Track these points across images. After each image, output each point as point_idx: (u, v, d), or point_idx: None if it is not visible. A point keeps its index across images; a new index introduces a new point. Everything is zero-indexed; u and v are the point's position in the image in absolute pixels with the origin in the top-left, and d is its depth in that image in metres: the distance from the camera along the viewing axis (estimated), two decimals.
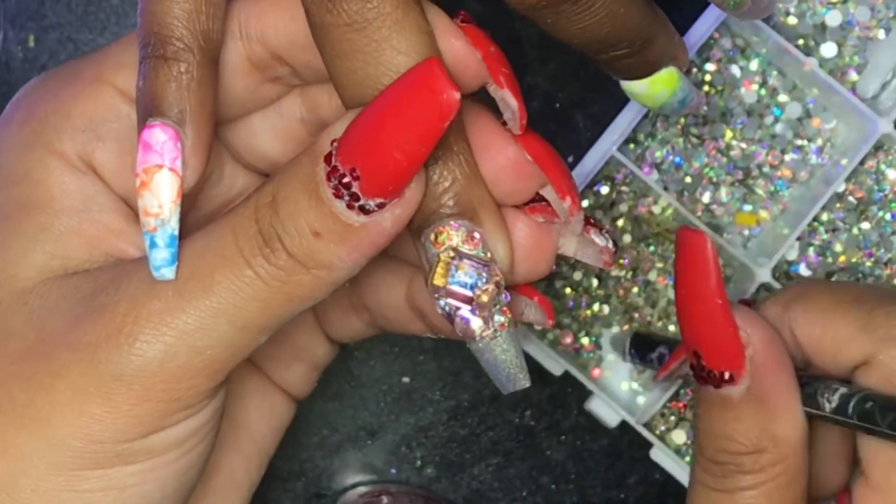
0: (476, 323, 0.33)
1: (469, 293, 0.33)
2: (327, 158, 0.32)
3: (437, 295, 0.33)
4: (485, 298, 0.33)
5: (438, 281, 0.33)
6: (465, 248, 0.33)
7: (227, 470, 0.42)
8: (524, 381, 0.35)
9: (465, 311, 0.33)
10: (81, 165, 0.36)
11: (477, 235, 0.33)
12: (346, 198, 0.32)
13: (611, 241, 0.37)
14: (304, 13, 0.34)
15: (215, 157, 0.40)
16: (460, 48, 0.34)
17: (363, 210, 0.32)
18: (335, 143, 0.32)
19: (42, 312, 0.35)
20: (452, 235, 0.33)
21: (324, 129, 0.38)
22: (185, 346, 0.33)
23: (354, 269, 0.34)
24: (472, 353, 0.36)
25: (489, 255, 0.33)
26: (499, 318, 0.34)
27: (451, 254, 0.33)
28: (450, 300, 0.33)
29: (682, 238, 0.37)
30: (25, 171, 0.36)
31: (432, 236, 0.33)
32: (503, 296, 0.34)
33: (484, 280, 0.33)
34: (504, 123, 0.36)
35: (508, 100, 0.34)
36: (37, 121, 0.37)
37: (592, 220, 0.37)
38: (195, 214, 0.40)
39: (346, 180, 0.32)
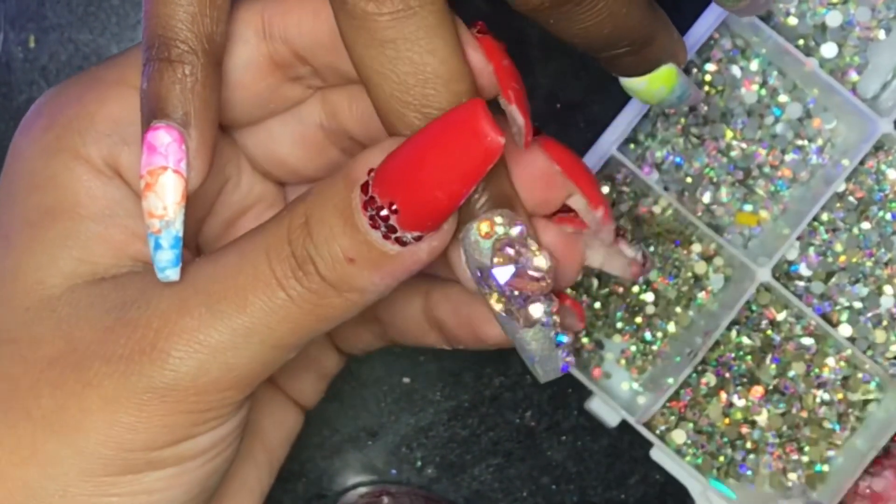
0: (539, 309, 0.33)
1: (535, 276, 0.33)
2: (364, 187, 0.32)
3: (491, 282, 0.33)
4: (546, 281, 0.33)
5: (499, 272, 0.33)
6: (516, 234, 0.33)
7: (241, 477, 0.42)
8: (565, 366, 0.35)
9: (527, 296, 0.33)
10: (107, 170, 0.36)
11: (520, 222, 0.33)
12: (383, 229, 0.32)
13: (640, 253, 0.37)
14: (328, 12, 0.34)
15: (233, 162, 0.40)
16: (475, 60, 0.34)
17: (399, 241, 0.32)
18: (372, 174, 0.32)
19: (71, 321, 0.35)
20: (498, 224, 0.33)
21: (343, 135, 0.38)
22: (217, 362, 0.33)
23: (386, 292, 0.34)
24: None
25: (533, 244, 0.33)
26: (551, 303, 0.34)
27: (504, 241, 0.33)
28: (514, 287, 0.33)
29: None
30: (50, 176, 0.36)
31: (479, 227, 0.33)
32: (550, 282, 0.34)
33: (542, 263, 0.33)
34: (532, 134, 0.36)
35: (515, 116, 0.35)
36: (60, 126, 0.36)
37: (622, 231, 0.37)
38: (211, 221, 0.40)
39: (383, 213, 0.32)
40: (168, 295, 0.34)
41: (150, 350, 0.33)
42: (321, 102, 0.39)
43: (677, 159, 0.53)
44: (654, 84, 0.39)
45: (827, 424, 0.53)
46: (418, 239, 0.32)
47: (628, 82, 0.39)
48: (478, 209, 0.34)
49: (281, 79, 0.38)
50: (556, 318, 0.34)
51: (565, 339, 0.34)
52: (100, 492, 0.34)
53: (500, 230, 0.33)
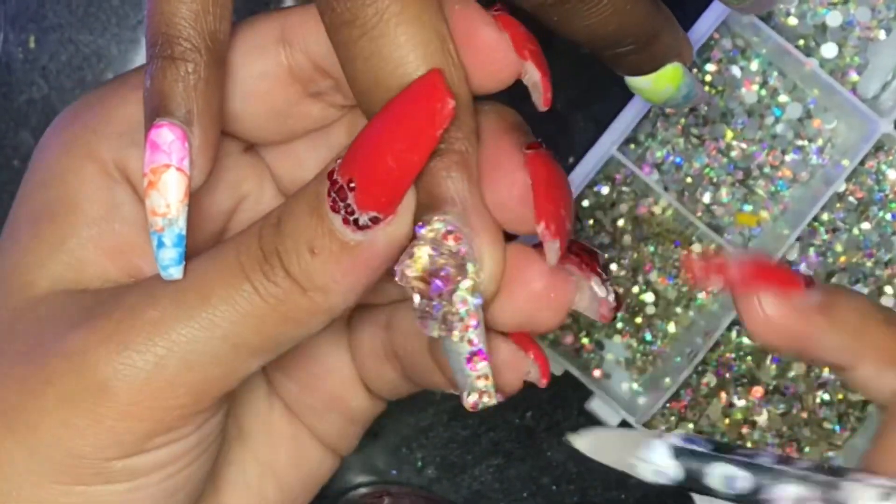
0: (432, 325, 0.33)
1: (439, 284, 0.32)
2: (330, 174, 0.32)
3: (405, 284, 0.33)
4: (450, 292, 0.33)
5: (408, 270, 0.33)
6: (442, 240, 0.32)
7: None
8: (487, 399, 0.34)
9: (426, 303, 0.33)
10: (115, 172, 0.36)
11: (460, 232, 0.32)
12: (343, 212, 0.32)
13: (612, 294, 0.35)
14: None
15: (252, 180, 0.40)
16: (487, 34, 0.34)
17: (357, 225, 0.32)
18: (339, 160, 0.32)
19: (48, 319, 0.35)
20: (436, 226, 0.33)
21: None
22: (175, 358, 0.33)
23: (349, 295, 0.33)
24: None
25: (463, 251, 0.33)
26: (464, 317, 0.33)
27: (423, 243, 0.33)
28: (417, 290, 0.33)
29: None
30: (59, 173, 0.36)
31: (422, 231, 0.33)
32: (476, 298, 0.33)
33: (450, 274, 0.32)
34: (527, 147, 0.34)
35: (531, 71, 0.34)
36: (80, 124, 0.37)
37: (598, 269, 0.35)
38: (228, 237, 0.39)
39: (342, 192, 0.32)
40: (138, 291, 0.34)
41: (108, 342, 0.33)
42: (349, 126, 0.39)
43: (677, 159, 0.54)
44: (660, 83, 0.39)
45: (827, 425, 0.53)
46: (375, 222, 0.32)
47: (634, 81, 0.39)
48: (426, 208, 0.33)
49: (301, 93, 0.37)
50: (470, 336, 0.33)
51: (479, 365, 0.33)
52: (51, 499, 0.33)
53: (433, 234, 0.33)
